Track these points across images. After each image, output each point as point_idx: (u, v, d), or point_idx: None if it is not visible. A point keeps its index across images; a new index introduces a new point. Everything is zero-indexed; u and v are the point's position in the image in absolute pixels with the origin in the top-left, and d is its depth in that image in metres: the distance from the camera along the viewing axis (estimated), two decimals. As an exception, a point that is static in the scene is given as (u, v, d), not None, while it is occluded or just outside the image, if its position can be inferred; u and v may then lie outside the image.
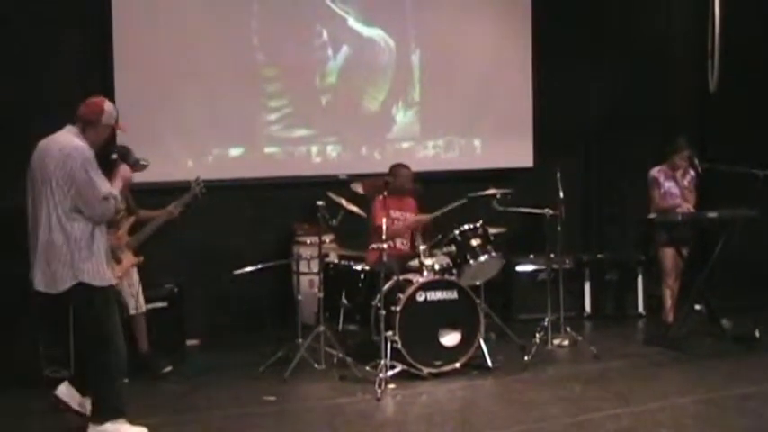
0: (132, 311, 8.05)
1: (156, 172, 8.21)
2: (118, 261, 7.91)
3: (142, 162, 7.85)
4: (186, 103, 9.30)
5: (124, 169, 6.67)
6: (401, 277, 8.13)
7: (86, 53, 8.96)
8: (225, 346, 9.06)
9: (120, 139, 8.36)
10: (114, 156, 6.66)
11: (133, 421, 6.57)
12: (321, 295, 8.10)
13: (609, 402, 7.14)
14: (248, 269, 8.23)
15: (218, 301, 9.35)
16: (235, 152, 9.58)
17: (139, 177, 8.01)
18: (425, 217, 8.70)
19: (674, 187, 9.04)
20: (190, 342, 9.06)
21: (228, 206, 9.09)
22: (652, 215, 9.03)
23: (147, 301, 8.23)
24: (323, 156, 9.91)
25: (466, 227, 8.28)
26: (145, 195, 8.33)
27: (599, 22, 10.73)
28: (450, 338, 7.92)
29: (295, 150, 9.80)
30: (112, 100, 8.55)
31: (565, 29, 10.58)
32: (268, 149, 9.71)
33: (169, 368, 8.10)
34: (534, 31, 10.56)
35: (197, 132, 9.36)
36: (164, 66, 9.20)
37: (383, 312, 7.67)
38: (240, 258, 8.53)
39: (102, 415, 6.42)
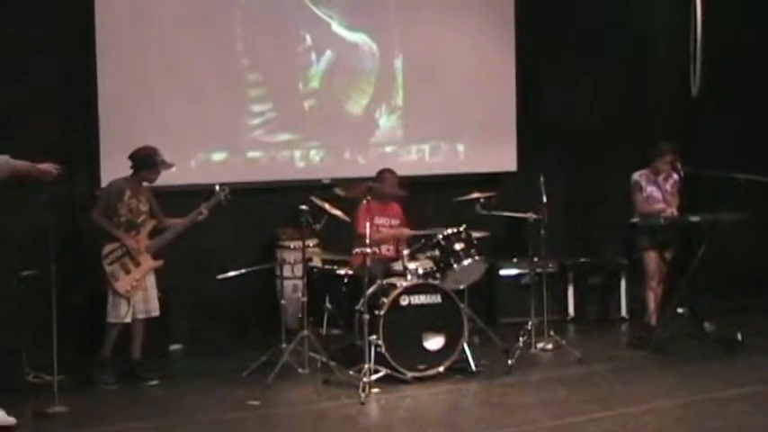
0: (140, 316, 8.09)
1: None
2: (137, 264, 8.02)
3: (168, 163, 8.09)
4: (169, 107, 9.29)
5: None
6: (385, 281, 8.17)
7: (69, 56, 8.95)
8: (209, 350, 9.06)
9: (116, 142, 8.38)
10: None
11: (113, 425, 6.71)
12: (305, 299, 8.12)
13: (592, 405, 7.18)
14: (232, 274, 8.30)
15: (202, 305, 9.34)
16: (218, 156, 9.59)
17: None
18: (407, 232, 8.75)
19: (656, 191, 9.10)
20: (174, 347, 9.11)
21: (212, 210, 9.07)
22: (635, 219, 9.09)
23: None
24: (306, 160, 9.92)
25: (449, 231, 8.29)
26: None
27: (582, 26, 10.76)
28: (434, 342, 7.94)
29: (278, 155, 9.82)
30: (95, 105, 8.85)
31: (548, 34, 10.63)
32: (251, 154, 9.72)
33: (155, 382, 8.07)
34: (517, 36, 10.59)
35: (180, 137, 9.30)
36: (147, 70, 9.21)
37: (367, 316, 7.69)
38: (224, 263, 8.62)
39: None
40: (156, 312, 8.18)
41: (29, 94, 8.66)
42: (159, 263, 8.17)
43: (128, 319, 8.01)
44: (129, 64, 9.12)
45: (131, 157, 8.09)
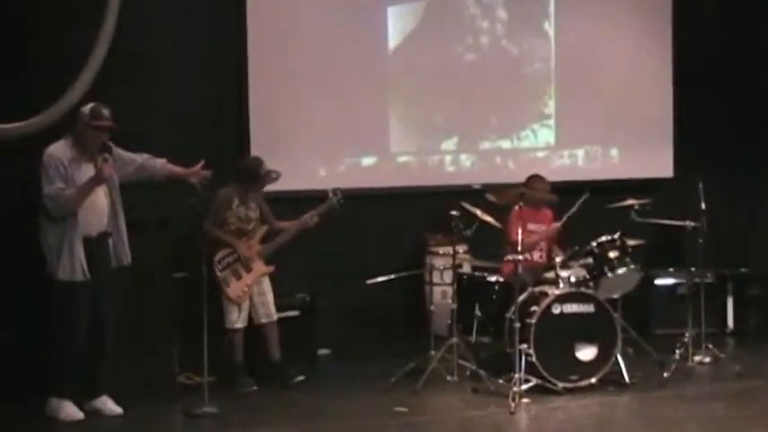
0: (263, 320, 8.22)
1: (288, 181, 8.41)
2: (248, 270, 8.16)
3: (273, 174, 8.11)
4: (319, 112, 9.46)
5: (106, 168, 7.03)
6: (536, 289, 8.14)
7: (221, 65, 9.15)
8: (356, 356, 9.13)
9: (266, 147, 8.69)
10: (105, 155, 7.08)
11: (262, 426, 7.03)
12: (454, 306, 8.13)
13: (752, 422, 6.99)
14: (381, 279, 8.36)
15: (351, 310, 9.43)
16: (367, 161, 9.73)
17: (271, 186, 8.26)
18: (554, 226, 8.69)
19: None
20: (321, 351, 9.21)
21: (361, 215, 9.15)
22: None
23: (280, 309, 8.39)
24: (456, 165, 9.96)
25: (603, 238, 8.22)
26: (276, 204, 8.49)
27: (741, 26, 10.48)
28: (587, 353, 7.87)
29: (428, 159, 9.89)
30: (246, 111, 9.09)
31: (707, 33, 10.39)
32: (401, 158, 9.83)
33: (301, 377, 8.20)
34: (675, 34, 10.39)
35: (329, 141, 9.51)
36: (297, 75, 9.38)
37: (518, 325, 7.67)
38: (372, 268, 8.68)
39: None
40: (275, 317, 8.25)
41: (181, 102, 8.91)
42: (271, 268, 8.25)
43: (240, 325, 8.13)
44: (279, 69, 9.31)
45: (236, 168, 8.27)
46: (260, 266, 8.21)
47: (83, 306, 7.07)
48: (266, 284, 8.26)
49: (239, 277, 8.11)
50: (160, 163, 7.51)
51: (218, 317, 8.05)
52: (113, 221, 7.26)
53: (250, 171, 8.17)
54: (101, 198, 7.15)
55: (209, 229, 8.10)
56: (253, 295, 8.18)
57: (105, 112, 7.07)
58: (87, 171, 7.05)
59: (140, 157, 7.44)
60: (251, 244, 8.19)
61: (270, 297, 8.26)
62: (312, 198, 8.70)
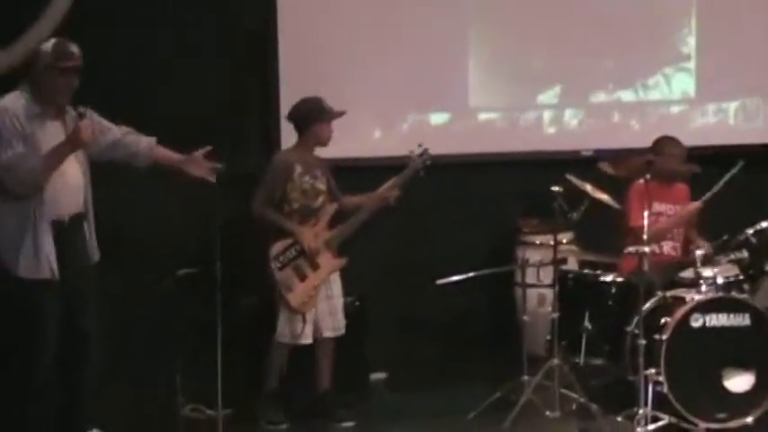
0: (328, 333, 8.16)
1: (332, 146, 8.32)
2: (315, 267, 8.09)
3: (336, 110, 8.17)
4: (372, 53, 9.43)
5: (85, 126, 6.70)
6: (668, 293, 7.97)
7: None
8: (421, 381, 9.07)
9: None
10: (81, 110, 6.77)
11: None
12: (555, 316, 8.00)
13: None
14: (455, 278, 8.20)
15: (413, 321, 9.41)
16: (438, 119, 9.64)
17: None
18: (693, 205, 8.49)
19: None
20: (375, 376, 9.14)
21: (428, 192, 9.00)
22: None
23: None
24: (559, 124, 9.83)
25: (764, 224, 8.08)
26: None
27: None
28: (739, 382, 7.67)
29: (521, 117, 9.78)
30: (275, 48, 9.32)
31: None
32: (483, 115, 9.71)
33: (351, 423, 8.13)
34: None
35: (387, 93, 9.47)
36: (343, 7, 9.37)
37: (643, 342, 7.47)
38: (443, 264, 8.64)
39: None
40: (342, 329, 8.22)
41: (184, 45, 8.99)
42: (343, 261, 8.22)
43: (307, 340, 8.06)
44: (320, 4, 9.36)
45: (291, 115, 8.16)
46: (329, 261, 8.14)
47: (51, 313, 6.83)
48: (336, 285, 8.25)
49: (303, 278, 8.05)
50: (146, 142, 7.20)
51: (236, 328, 7.96)
52: (87, 203, 7.04)
53: (313, 110, 8.06)
54: (74, 169, 6.89)
55: (262, 210, 8.02)
56: (318, 300, 8.15)
57: (74, 49, 6.81)
58: (54, 132, 6.78)
59: (119, 130, 7.17)
60: (317, 231, 8.11)
61: (340, 303, 8.25)
62: (363, 168, 8.78)
